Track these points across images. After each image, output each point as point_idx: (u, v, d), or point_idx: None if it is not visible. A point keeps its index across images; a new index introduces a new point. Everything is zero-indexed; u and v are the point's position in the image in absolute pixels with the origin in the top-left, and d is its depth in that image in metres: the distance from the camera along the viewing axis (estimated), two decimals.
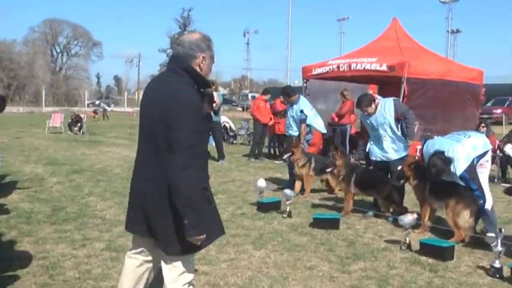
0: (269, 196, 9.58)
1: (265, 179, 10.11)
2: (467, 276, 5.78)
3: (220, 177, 12.34)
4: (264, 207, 8.69)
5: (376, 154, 8.69)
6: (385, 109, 8.39)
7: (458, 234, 7.03)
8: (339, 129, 15.25)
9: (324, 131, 11.44)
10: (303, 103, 10.68)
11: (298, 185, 10.28)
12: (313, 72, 15.67)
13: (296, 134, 10.66)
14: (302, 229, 7.60)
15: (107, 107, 51.66)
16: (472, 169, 7.06)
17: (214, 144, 15.81)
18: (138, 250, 3.80)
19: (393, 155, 8.47)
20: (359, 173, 8.66)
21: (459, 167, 6.99)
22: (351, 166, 8.97)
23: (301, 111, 10.46)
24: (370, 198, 9.05)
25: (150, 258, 3.79)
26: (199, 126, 3.36)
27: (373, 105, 8.50)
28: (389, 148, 8.50)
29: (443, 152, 7.10)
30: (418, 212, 7.73)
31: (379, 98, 8.70)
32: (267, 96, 16.73)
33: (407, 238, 6.70)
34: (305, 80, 16.28)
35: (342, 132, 15.23)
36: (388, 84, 14.64)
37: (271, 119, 16.52)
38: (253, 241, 6.92)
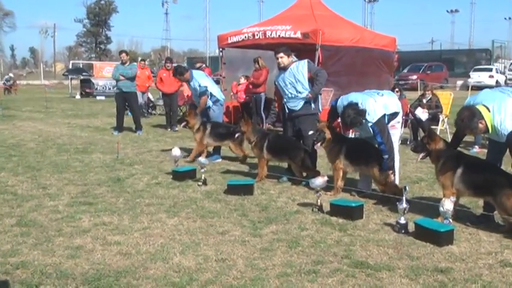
0: (185, 165, 9.54)
1: (182, 149, 10.06)
2: (374, 233, 5.98)
3: (136, 148, 12.22)
4: (179, 175, 8.68)
5: (289, 108, 8.77)
6: (299, 69, 8.52)
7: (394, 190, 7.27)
8: (254, 97, 15.30)
9: (222, 97, 11.28)
10: (198, 76, 10.76)
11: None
12: (229, 41, 15.66)
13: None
14: (216, 196, 7.65)
15: (10, 80, 44.22)
16: (381, 124, 7.34)
17: (130, 115, 15.61)
18: None
19: (303, 111, 8.58)
20: (271, 139, 8.74)
21: (369, 118, 7.27)
22: (262, 132, 9.05)
23: (200, 85, 10.53)
24: (285, 164, 9.16)
25: None
26: None
27: (289, 58, 8.63)
28: (300, 106, 8.60)
29: (356, 104, 7.30)
30: (330, 175, 7.88)
31: (295, 59, 8.79)
32: (170, 65, 16.65)
33: (319, 200, 6.86)
34: (221, 49, 16.26)
35: (257, 101, 15.26)
36: (303, 51, 14.70)
37: (179, 87, 16.39)
38: (167, 209, 6.91)
